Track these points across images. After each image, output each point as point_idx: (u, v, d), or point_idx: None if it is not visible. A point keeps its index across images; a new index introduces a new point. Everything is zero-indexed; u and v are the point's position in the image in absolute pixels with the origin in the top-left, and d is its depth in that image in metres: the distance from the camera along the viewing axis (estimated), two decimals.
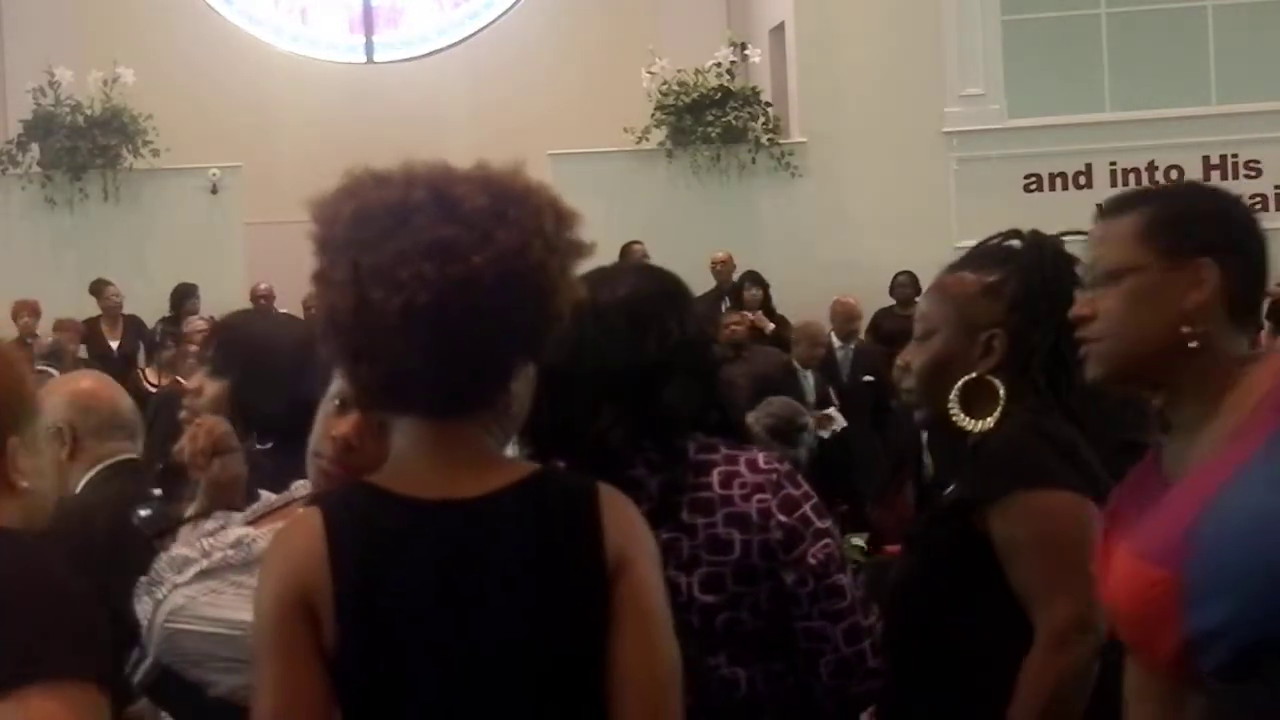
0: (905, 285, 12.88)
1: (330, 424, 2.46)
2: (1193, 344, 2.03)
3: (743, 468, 2.52)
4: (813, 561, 2.50)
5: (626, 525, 2.03)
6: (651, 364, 2.52)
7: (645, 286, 2.60)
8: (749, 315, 12.34)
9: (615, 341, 2.51)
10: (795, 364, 10.48)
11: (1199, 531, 1.92)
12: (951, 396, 2.70)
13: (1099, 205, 2.22)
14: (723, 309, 12.68)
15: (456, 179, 2.00)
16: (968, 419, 2.69)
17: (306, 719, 1.95)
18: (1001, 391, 2.68)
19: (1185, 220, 2.10)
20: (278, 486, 2.84)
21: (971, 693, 2.62)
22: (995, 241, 2.86)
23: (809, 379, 10.38)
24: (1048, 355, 2.69)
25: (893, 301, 13.12)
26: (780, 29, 14.87)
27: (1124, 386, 2.16)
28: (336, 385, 2.46)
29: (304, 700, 1.94)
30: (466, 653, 1.94)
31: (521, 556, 1.97)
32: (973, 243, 2.98)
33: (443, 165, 2.04)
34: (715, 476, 2.51)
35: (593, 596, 1.97)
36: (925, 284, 11.88)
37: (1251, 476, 1.92)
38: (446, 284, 1.92)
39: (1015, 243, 2.82)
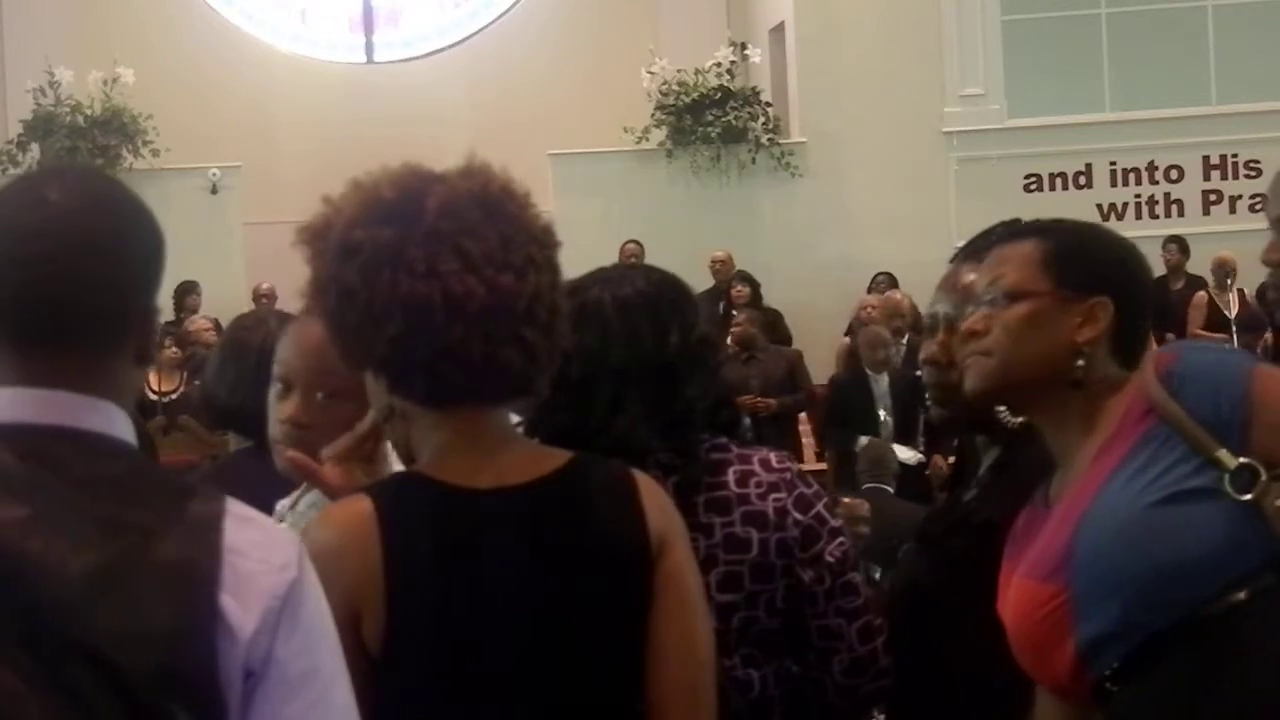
0: (883, 285, 12.88)
1: (277, 409, 2.48)
2: (1077, 375, 2.12)
3: (756, 466, 2.52)
4: (830, 559, 2.51)
5: (665, 508, 2.07)
6: (675, 358, 2.50)
7: (657, 281, 2.58)
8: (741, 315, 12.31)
9: (641, 336, 2.49)
10: (867, 370, 10.42)
11: (1077, 545, 2.03)
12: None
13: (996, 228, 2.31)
14: (720, 309, 12.66)
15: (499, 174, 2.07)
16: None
17: None
18: None
19: (1087, 258, 2.19)
20: None
21: (976, 698, 2.61)
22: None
23: (881, 383, 10.37)
24: None
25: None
26: (780, 29, 14.88)
27: (995, 404, 2.26)
28: (275, 370, 2.50)
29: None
30: (523, 636, 1.96)
31: (573, 541, 2.00)
32: None
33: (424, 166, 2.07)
34: (731, 475, 2.50)
35: (639, 578, 2.00)
36: (911, 284, 11.64)
37: (1115, 486, 2.03)
38: (547, 267, 2.00)
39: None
